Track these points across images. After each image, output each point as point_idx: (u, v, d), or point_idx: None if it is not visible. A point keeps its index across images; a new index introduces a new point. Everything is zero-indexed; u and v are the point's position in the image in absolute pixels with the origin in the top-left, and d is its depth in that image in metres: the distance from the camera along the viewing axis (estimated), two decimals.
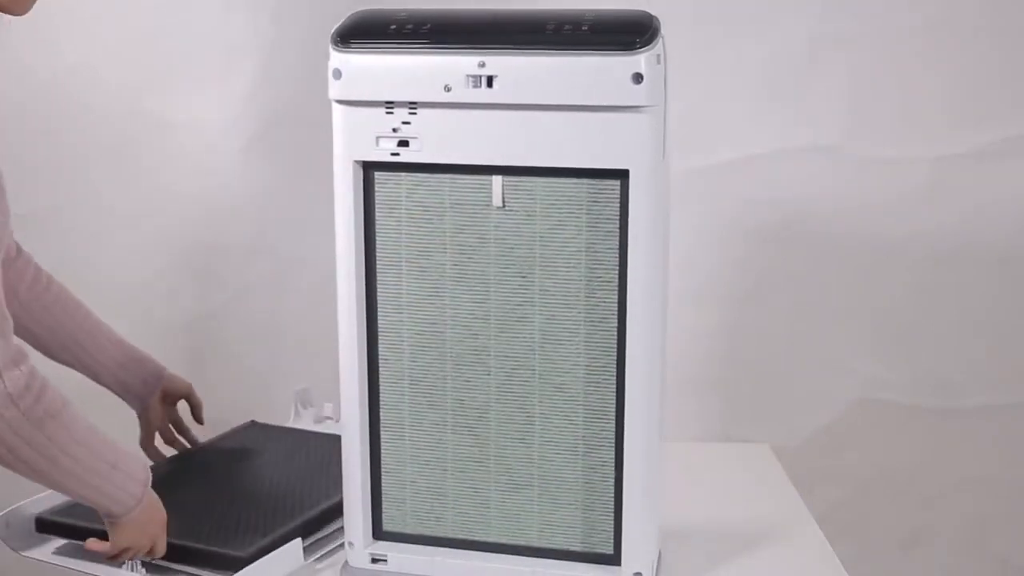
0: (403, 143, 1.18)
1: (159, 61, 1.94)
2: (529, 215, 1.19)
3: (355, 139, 1.19)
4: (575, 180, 1.17)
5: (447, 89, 1.14)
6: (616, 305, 1.19)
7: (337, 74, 1.17)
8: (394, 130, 1.17)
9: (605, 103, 1.11)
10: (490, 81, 1.13)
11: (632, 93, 1.10)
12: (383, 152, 1.19)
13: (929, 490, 1.97)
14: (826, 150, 1.88)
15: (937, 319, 1.92)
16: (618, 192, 1.16)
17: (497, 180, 1.18)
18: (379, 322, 1.25)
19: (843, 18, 1.85)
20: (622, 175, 1.14)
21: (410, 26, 1.16)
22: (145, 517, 1.25)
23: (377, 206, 1.22)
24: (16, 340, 1.12)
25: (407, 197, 1.22)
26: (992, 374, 1.93)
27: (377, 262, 1.24)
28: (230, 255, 2.01)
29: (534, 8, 1.18)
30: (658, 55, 1.11)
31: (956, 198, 1.88)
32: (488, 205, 1.20)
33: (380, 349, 1.26)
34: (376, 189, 1.22)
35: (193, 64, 1.94)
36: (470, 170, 1.19)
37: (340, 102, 1.18)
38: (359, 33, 1.17)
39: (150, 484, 1.25)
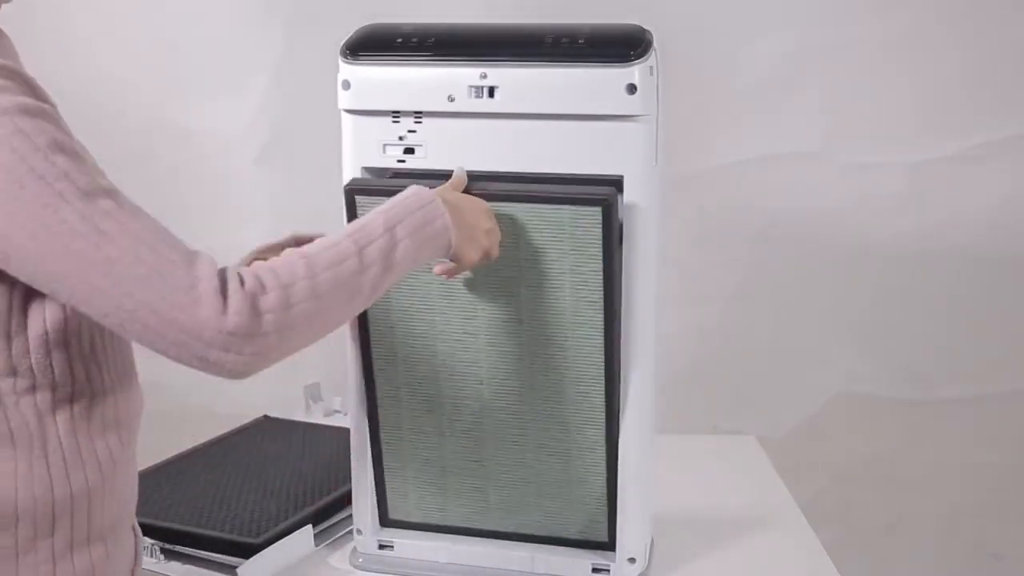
0: (409, 151, 1.17)
1: (179, 74, 1.94)
2: (515, 239, 1.13)
3: (363, 147, 1.18)
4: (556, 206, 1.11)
5: (450, 99, 1.14)
6: (602, 310, 1.15)
7: (346, 85, 1.17)
8: (400, 138, 1.17)
9: (601, 112, 1.11)
10: (491, 92, 1.13)
11: (626, 103, 1.10)
12: (389, 159, 1.18)
13: (906, 477, 1.97)
14: (808, 157, 1.89)
15: (912, 317, 1.93)
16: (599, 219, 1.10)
17: None
18: (371, 334, 1.22)
19: (824, 34, 1.85)
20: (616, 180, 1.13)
21: (415, 39, 1.16)
22: (464, 228, 1.03)
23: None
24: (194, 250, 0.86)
25: None
26: (964, 368, 1.94)
27: None
28: (243, 256, 2.00)
29: (533, 22, 1.18)
30: (651, 67, 1.11)
31: (931, 201, 1.89)
32: None
33: (375, 359, 1.23)
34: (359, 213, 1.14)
35: (210, 76, 1.94)
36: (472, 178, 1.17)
37: (349, 112, 1.18)
38: (367, 46, 1.17)
39: (436, 198, 1.01)
